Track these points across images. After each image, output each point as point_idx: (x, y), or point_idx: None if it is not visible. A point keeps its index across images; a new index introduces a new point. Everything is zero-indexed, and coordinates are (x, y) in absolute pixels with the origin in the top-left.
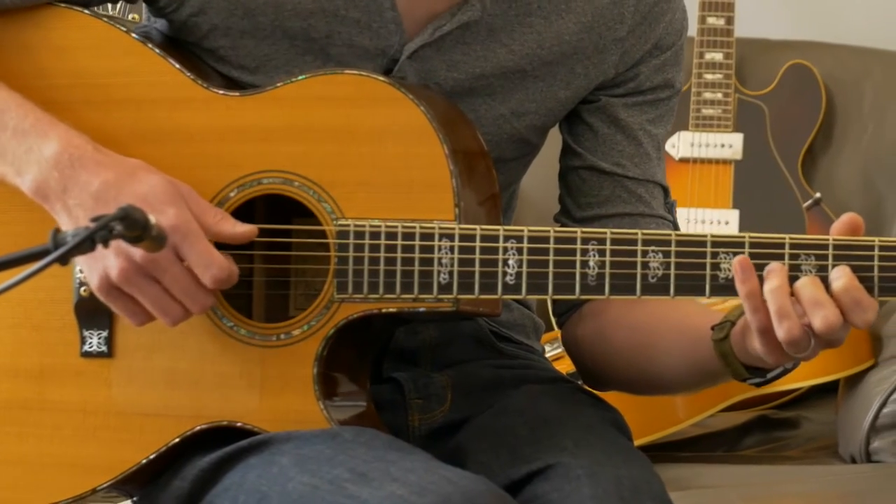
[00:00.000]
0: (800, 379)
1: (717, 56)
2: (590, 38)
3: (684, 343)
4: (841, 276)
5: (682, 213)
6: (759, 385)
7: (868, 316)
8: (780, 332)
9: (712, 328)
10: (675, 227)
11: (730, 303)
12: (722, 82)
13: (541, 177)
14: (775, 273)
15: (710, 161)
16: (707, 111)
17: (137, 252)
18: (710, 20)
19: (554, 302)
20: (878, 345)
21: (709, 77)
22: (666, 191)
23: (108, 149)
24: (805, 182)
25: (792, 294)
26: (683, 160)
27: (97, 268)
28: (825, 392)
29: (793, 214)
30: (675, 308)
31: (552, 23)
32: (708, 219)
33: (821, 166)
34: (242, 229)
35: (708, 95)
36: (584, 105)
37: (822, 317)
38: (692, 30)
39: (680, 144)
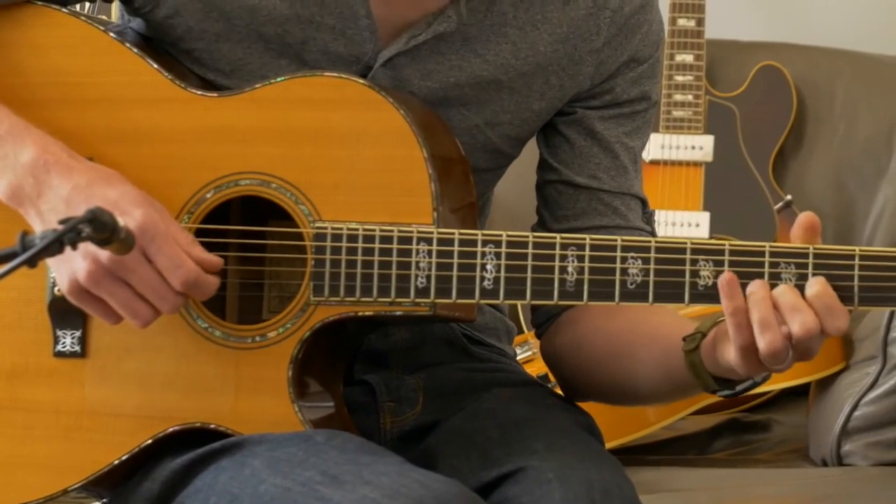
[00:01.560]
0: (771, 382)
1: (688, 58)
2: (565, 49)
3: (657, 352)
4: (814, 284)
5: None
6: (728, 397)
7: (840, 323)
8: (762, 342)
9: (683, 339)
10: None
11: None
12: (692, 84)
13: (514, 181)
14: (759, 286)
15: (680, 163)
16: (677, 113)
17: (105, 254)
18: (681, 21)
19: (532, 312)
20: (849, 348)
21: (679, 79)
22: (644, 202)
23: (84, 148)
24: (776, 184)
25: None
26: (654, 162)
27: (66, 270)
28: (796, 395)
29: (764, 217)
30: (650, 317)
31: (527, 33)
32: (678, 221)
33: (792, 168)
34: (209, 257)
35: (678, 97)
36: (561, 117)
37: (800, 322)
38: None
39: (650, 146)
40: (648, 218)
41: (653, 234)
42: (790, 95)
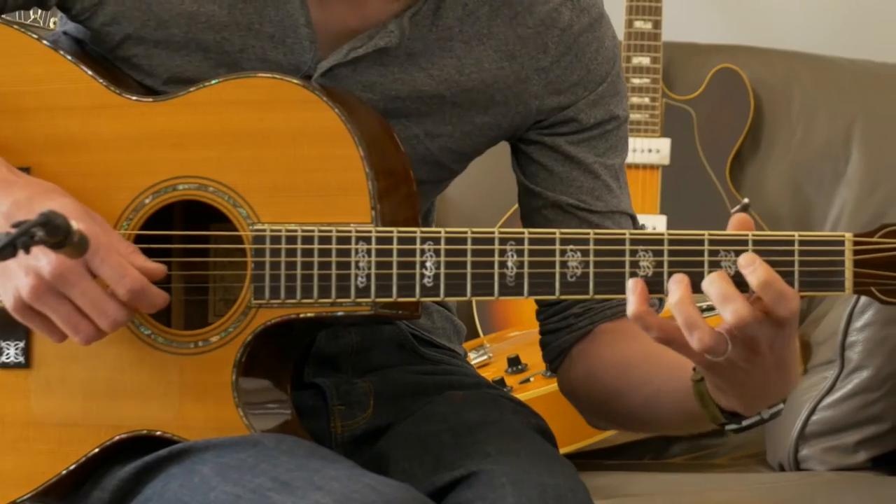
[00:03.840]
0: None
1: (644, 60)
2: (511, 67)
3: (672, 383)
4: (756, 269)
5: None
6: (737, 431)
7: (793, 305)
8: (693, 341)
9: (694, 369)
10: None
11: None
12: (649, 87)
13: (463, 179)
14: (676, 284)
15: (637, 166)
16: (634, 116)
17: (47, 268)
18: (637, 24)
19: (542, 349)
20: (806, 352)
21: (636, 81)
22: (633, 218)
23: (22, 158)
24: (733, 187)
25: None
26: None
27: (10, 287)
28: None
29: (721, 220)
30: (663, 347)
31: (473, 48)
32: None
33: (749, 171)
34: (152, 265)
35: (635, 100)
36: (531, 146)
37: (731, 310)
38: (619, 33)
39: None
40: None
41: None
42: (747, 98)
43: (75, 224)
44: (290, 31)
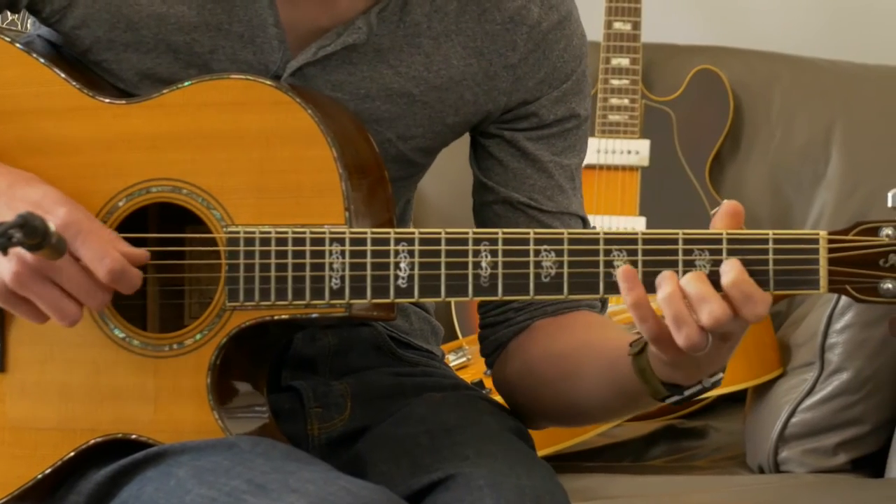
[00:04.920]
0: None
1: (624, 61)
2: (479, 63)
3: (604, 365)
4: (730, 270)
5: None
6: (677, 404)
7: (759, 310)
8: (680, 338)
9: (630, 344)
10: None
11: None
12: (628, 88)
13: (440, 182)
14: (667, 280)
15: (616, 168)
16: (613, 117)
17: (29, 255)
18: (617, 25)
19: (480, 342)
20: (786, 354)
21: (615, 83)
22: (584, 221)
23: None
24: (713, 189)
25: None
26: (590, 167)
27: None
28: (733, 401)
29: (700, 221)
30: (595, 333)
31: (441, 45)
32: (615, 226)
33: (728, 173)
34: (135, 250)
35: (614, 101)
36: (490, 140)
37: (707, 312)
38: (598, 35)
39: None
40: None
41: None
42: (727, 99)
43: (53, 225)
44: (259, 31)
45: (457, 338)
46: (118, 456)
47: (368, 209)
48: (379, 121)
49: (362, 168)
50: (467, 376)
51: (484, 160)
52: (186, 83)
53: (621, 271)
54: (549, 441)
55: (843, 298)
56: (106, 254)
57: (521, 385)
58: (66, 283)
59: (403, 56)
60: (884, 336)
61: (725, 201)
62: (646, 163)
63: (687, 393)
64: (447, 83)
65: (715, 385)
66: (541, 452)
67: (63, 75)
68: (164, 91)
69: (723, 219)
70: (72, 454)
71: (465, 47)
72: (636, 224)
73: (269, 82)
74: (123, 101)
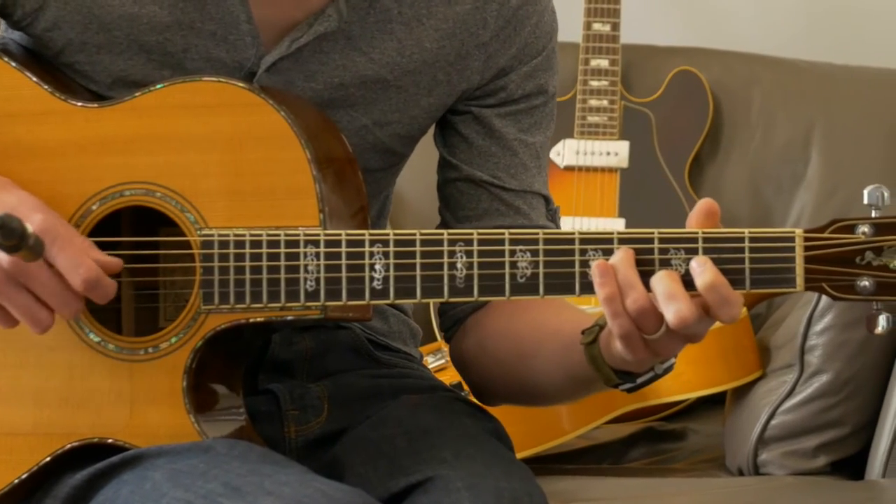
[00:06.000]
0: (686, 390)
1: (603, 63)
2: (451, 44)
3: (558, 349)
4: (705, 272)
5: (567, 222)
6: (629, 391)
7: (735, 311)
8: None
9: (582, 332)
10: None
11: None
12: (607, 89)
13: (418, 180)
14: (618, 253)
15: (595, 169)
16: (592, 118)
17: (5, 258)
18: (596, 26)
19: (440, 316)
20: (766, 356)
21: (594, 84)
22: (547, 200)
23: None
24: (692, 190)
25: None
26: (568, 168)
27: None
28: (712, 403)
29: (679, 223)
30: (553, 315)
31: (412, 29)
32: (594, 227)
33: (708, 174)
34: (109, 258)
35: (593, 102)
36: (457, 116)
37: (674, 311)
38: (577, 36)
39: (565, 152)
40: (553, 215)
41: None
42: (706, 101)
43: (30, 227)
44: (232, 28)
45: (436, 339)
46: (94, 460)
47: (343, 208)
48: (354, 106)
49: (336, 169)
50: (446, 378)
51: (450, 137)
52: (159, 86)
53: (595, 265)
54: (527, 443)
55: (823, 300)
56: (81, 262)
57: (475, 363)
58: (40, 289)
59: (375, 42)
60: (864, 338)
61: (701, 200)
62: (625, 164)
63: (640, 381)
64: (420, 66)
65: (667, 371)
66: (519, 454)
67: (34, 79)
68: (137, 94)
69: (698, 217)
70: (48, 459)
71: (437, 30)
72: (615, 226)
73: (241, 84)
74: (95, 105)
